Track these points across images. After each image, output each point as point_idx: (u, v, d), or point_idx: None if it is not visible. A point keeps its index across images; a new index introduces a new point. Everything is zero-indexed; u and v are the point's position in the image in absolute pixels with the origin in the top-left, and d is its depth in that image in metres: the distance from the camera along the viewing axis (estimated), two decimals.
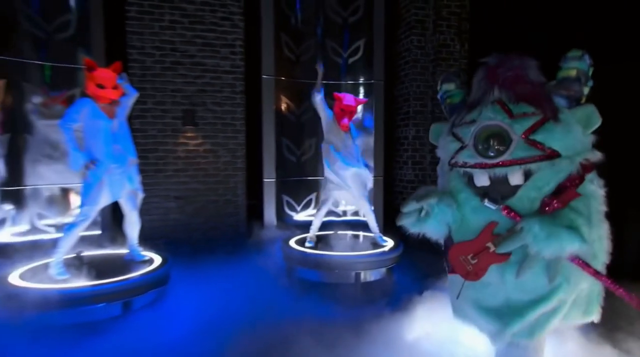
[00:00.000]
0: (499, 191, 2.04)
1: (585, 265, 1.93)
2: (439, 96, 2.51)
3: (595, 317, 2.26)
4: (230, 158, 5.80)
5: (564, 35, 4.51)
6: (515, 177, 1.98)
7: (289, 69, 6.09)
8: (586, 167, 1.98)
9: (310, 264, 4.45)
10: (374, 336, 2.85)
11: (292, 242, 4.86)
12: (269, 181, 5.99)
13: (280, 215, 6.11)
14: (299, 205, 6.38)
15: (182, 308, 3.73)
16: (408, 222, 2.18)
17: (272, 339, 3.04)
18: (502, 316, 2.12)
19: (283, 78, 6.04)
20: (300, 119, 6.29)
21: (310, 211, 6.28)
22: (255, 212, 6.02)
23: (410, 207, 2.13)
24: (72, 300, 3.46)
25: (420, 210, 2.16)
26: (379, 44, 6.06)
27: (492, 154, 1.97)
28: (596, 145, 2.04)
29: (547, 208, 1.93)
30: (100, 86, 3.71)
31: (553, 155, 1.92)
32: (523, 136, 1.93)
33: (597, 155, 2.01)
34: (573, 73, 2.04)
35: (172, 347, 3.11)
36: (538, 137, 1.92)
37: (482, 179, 2.06)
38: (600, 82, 2.29)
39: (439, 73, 5.56)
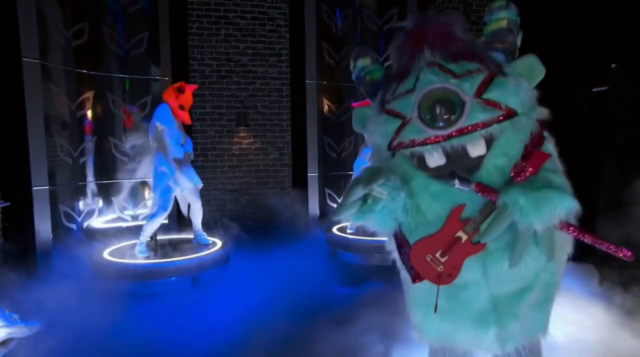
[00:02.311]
0: (458, 168, 1.58)
1: (580, 231, 1.54)
2: (354, 76, 2.01)
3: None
4: (278, 155, 6.11)
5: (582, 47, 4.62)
6: (477, 147, 1.55)
7: (329, 73, 6.35)
8: (541, 124, 1.65)
9: (352, 248, 4.67)
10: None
11: (334, 229, 5.11)
12: (313, 175, 6.25)
13: (323, 206, 6.36)
14: (339, 197, 6.61)
15: (240, 282, 4.09)
16: (348, 214, 1.61)
17: (317, 313, 3.26)
18: (492, 320, 1.71)
19: (324, 82, 6.31)
20: (340, 119, 6.53)
21: None
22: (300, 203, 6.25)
23: (354, 195, 1.56)
24: (150, 274, 3.92)
25: (365, 198, 1.61)
26: None
27: (442, 124, 1.50)
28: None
29: (519, 177, 1.55)
30: (182, 107, 4.03)
31: (512, 113, 1.53)
32: (476, 96, 1.51)
33: (545, 112, 1.67)
34: (504, 23, 1.72)
35: (233, 315, 3.42)
36: (492, 95, 1.52)
37: (436, 158, 1.58)
38: None
39: None
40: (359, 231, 4.77)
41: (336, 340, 2.83)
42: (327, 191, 6.50)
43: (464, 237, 1.59)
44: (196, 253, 4.24)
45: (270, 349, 2.80)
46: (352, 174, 5.21)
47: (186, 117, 4.10)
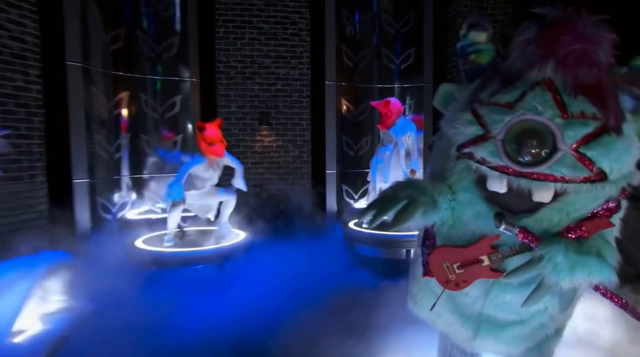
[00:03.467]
0: (514, 203, 1.45)
1: (610, 294, 1.47)
2: (459, 45, 1.75)
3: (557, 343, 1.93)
4: (298, 153, 6.33)
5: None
6: (542, 194, 1.39)
7: (348, 75, 6.50)
8: (624, 192, 1.47)
9: (367, 242, 4.82)
10: None
11: (351, 224, 5.23)
12: (331, 173, 6.42)
13: (340, 202, 6.54)
14: (356, 194, 6.75)
15: (261, 271, 4.26)
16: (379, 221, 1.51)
17: (331, 300, 3.39)
18: (472, 324, 1.76)
19: (343, 83, 6.46)
20: (357, 119, 6.68)
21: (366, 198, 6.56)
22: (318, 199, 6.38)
23: (384, 213, 1.48)
24: (180, 261, 4.15)
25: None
26: (428, 51, 6.30)
27: (524, 160, 1.32)
28: None
29: (569, 233, 1.42)
30: (211, 144, 4.18)
31: (600, 178, 1.33)
32: (573, 148, 1.28)
33: (638, 178, 1.44)
34: None
35: (254, 299, 3.61)
36: (591, 153, 1.29)
37: (497, 184, 1.43)
38: None
39: None
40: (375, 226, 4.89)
41: (349, 325, 2.94)
42: (345, 187, 6.67)
43: (486, 262, 1.55)
44: (222, 243, 4.46)
45: (288, 330, 2.92)
46: (368, 172, 5.32)
47: (218, 151, 4.24)
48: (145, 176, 5.81)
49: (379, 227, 4.67)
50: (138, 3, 5.48)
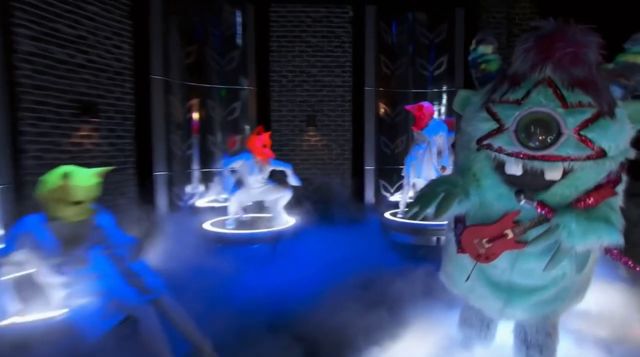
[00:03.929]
0: (530, 183, 1.60)
1: (620, 255, 1.58)
2: (470, 58, 1.94)
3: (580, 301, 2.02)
4: (340, 151, 6.69)
5: None
6: (553, 173, 1.55)
7: (386, 81, 6.81)
8: (623, 167, 1.63)
9: (401, 230, 5.10)
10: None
11: (387, 214, 5.47)
12: (369, 169, 6.74)
13: (378, 195, 6.84)
14: (392, 188, 6.94)
15: (307, 251, 4.58)
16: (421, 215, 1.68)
17: (366, 277, 3.58)
18: (503, 294, 1.86)
19: (381, 89, 6.76)
20: (394, 121, 6.97)
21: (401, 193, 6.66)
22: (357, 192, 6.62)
23: (425, 208, 1.65)
24: (239, 240, 4.59)
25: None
26: (459, 58, 6.48)
27: (533, 145, 1.49)
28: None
29: (579, 203, 1.56)
30: (264, 146, 4.70)
31: (600, 155, 1.50)
32: (575, 131, 1.46)
33: (633, 153, 1.61)
34: (631, 59, 1.58)
35: (300, 274, 3.87)
36: (590, 134, 1.47)
37: (514, 168, 1.59)
38: None
39: None
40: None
41: (381, 298, 3.10)
42: (382, 182, 6.96)
43: (510, 235, 1.68)
44: (274, 227, 4.88)
45: (327, 300, 3.10)
46: (403, 168, 5.49)
47: (267, 153, 4.74)
48: (211, 170, 6.43)
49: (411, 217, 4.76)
50: (207, 24, 6.09)
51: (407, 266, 3.82)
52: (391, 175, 6.87)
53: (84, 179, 2.22)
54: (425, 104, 5.03)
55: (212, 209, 5.84)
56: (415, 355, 2.32)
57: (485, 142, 1.62)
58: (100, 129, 4.74)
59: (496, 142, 1.58)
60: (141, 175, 5.31)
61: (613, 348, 2.40)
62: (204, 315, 2.71)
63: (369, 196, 6.72)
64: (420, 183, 5.15)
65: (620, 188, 1.66)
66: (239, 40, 6.36)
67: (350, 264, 3.97)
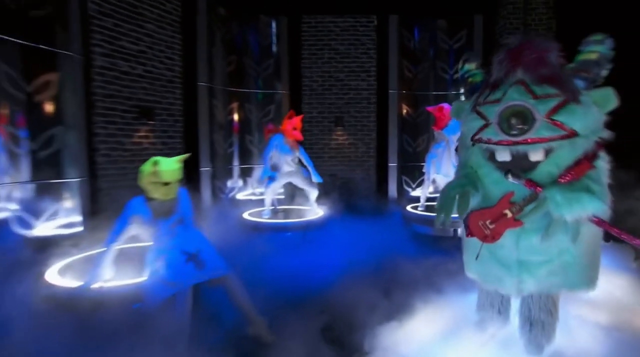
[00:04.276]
0: (519, 166, 1.80)
1: (604, 223, 1.71)
2: (459, 75, 2.25)
3: (592, 288, 2.06)
4: (365, 149, 7.01)
5: None
6: (537, 154, 1.76)
7: (408, 84, 7.09)
8: (599, 145, 1.82)
9: (421, 222, 5.31)
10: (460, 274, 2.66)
11: (408, 207, 5.73)
12: (392, 165, 7.04)
13: (400, 190, 7.13)
14: (413, 183, 7.15)
15: (334, 239, 4.78)
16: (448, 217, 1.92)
17: (388, 263, 3.65)
18: (515, 271, 1.96)
19: (404, 91, 7.03)
20: (416, 121, 7.24)
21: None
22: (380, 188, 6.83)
23: (448, 212, 1.87)
24: (274, 228, 4.92)
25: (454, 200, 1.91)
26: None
27: (515, 132, 1.71)
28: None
29: (562, 179, 1.74)
30: (294, 128, 5.02)
31: (573, 134, 1.70)
32: (546, 116, 1.68)
33: (608, 134, 1.82)
34: (594, 56, 1.79)
35: (328, 261, 4.03)
36: (560, 117, 1.69)
37: (503, 155, 1.81)
38: None
39: None
40: (427, 208, 5.37)
41: (401, 282, 3.13)
42: (404, 178, 7.27)
43: (509, 215, 1.82)
44: (305, 217, 5.19)
45: (351, 281, 3.19)
46: (423, 165, 5.70)
47: (297, 136, 5.05)
48: (249, 166, 6.93)
49: (428, 210, 4.81)
50: (245, 36, 6.53)
51: (426, 254, 3.87)
52: (413, 171, 7.08)
53: (169, 164, 2.68)
54: (445, 105, 5.16)
55: (250, 201, 6.29)
56: (431, 332, 2.39)
57: (476, 137, 1.88)
58: (155, 130, 5.25)
59: (485, 135, 1.83)
60: (188, 170, 5.72)
61: (612, 333, 2.37)
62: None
63: (392, 190, 6.99)
64: (440, 179, 5.34)
65: (603, 164, 1.86)
66: (273, 49, 6.82)
67: (373, 251, 4.13)
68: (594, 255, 2.03)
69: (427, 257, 3.64)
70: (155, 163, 2.62)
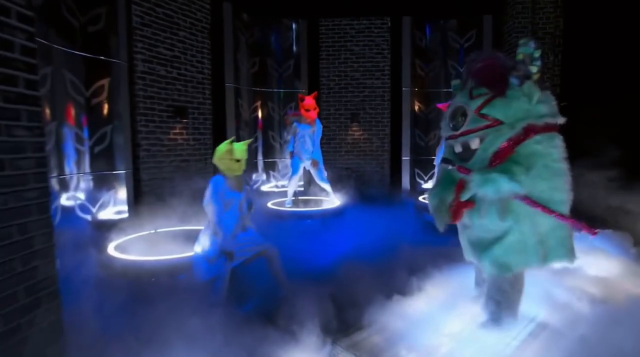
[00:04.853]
0: (467, 155, 2.08)
1: (533, 202, 1.93)
2: (452, 89, 2.44)
3: (570, 261, 2.21)
4: (379, 143, 7.38)
5: None
6: (474, 143, 2.04)
7: (420, 82, 7.42)
8: (529, 131, 1.98)
9: None
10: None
11: (420, 198, 6.10)
12: (406, 159, 7.38)
13: (413, 182, 7.49)
14: (425, 175, 7.53)
15: (351, 226, 5.20)
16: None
17: (401, 248, 3.89)
18: (478, 249, 2.16)
19: (416, 89, 7.37)
20: (427, 117, 7.56)
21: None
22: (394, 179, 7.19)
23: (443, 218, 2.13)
24: (295, 216, 5.40)
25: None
26: None
27: (457, 127, 2.06)
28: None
29: (491, 165, 2.00)
30: (307, 110, 5.49)
31: (497, 123, 1.96)
32: (475, 111, 2.00)
33: (544, 121, 2.00)
34: (520, 57, 2.12)
35: (344, 246, 4.39)
36: (485, 111, 1.99)
37: (457, 147, 2.12)
38: None
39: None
40: None
41: (413, 264, 3.22)
42: (417, 170, 7.62)
43: (462, 197, 2.07)
44: (324, 206, 5.64)
45: (366, 263, 3.46)
46: (434, 158, 6.02)
47: (312, 116, 5.51)
48: (272, 160, 7.46)
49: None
50: (268, 38, 6.97)
51: (435, 241, 3.60)
52: (425, 164, 7.42)
53: (240, 145, 3.24)
54: None
55: (273, 192, 6.79)
56: (430, 306, 2.48)
57: (444, 136, 2.26)
58: (188, 128, 5.80)
59: (443, 133, 2.24)
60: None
61: (597, 303, 2.52)
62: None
63: (405, 182, 7.34)
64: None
65: (538, 147, 1.99)
66: (294, 51, 7.26)
67: (386, 237, 4.40)
68: (547, 231, 2.10)
69: (434, 244, 3.60)
70: (231, 143, 3.17)
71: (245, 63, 6.83)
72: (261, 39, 7.02)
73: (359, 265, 3.48)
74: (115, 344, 2.29)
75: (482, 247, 2.14)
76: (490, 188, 1.90)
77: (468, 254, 2.31)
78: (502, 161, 1.97)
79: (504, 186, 1.88)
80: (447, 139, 2.20)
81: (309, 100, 5.50)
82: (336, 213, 5.60)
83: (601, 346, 1.96)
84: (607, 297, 2.68)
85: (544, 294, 2.56)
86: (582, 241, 3.27)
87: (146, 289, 3.15)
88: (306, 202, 6.02)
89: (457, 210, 2.10)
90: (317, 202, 5.95)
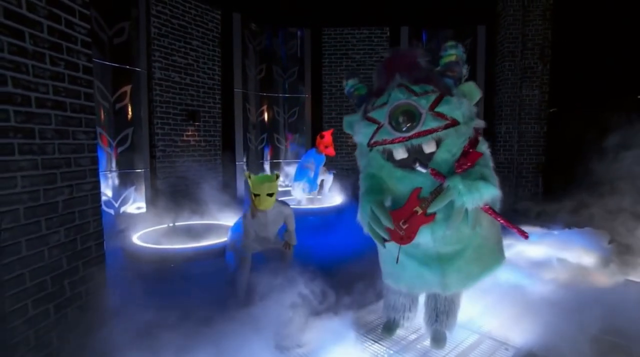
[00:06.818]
0: (410, 161, 1.90)
1: (489, 209, 1.83)
2: (346, 91, 2.34)
3: (504, 261, 2.23)
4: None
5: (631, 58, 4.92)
6: (429, 146, 1.85)
7: None
8: (477, 132, 1.93)
9: None
10: None
11: None
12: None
13: None
14: None
15: (348, 224, 4.81)
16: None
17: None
18: (436, 267, 2.03)
19: None
20: None
21: None
22: None
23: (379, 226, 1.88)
24: (299, 213, 5.71)
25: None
26: (481, 69, 7.43)
27: (405, 129, 1.80)
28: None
29: (460, 169, 1.82)
30: (326, 146, 5.90)
31: (455, 123, 1.82)
32: (430, 109, 1.81)
33: (482, 123, 1.96)
34: (453, 58, 1.97)
35: (345, 238, 4.50)
36: (441, 109, 1.82)
37: (400, 152, 1.89)
38: None
39: (525, 87, 6.64)
40: None
41: None
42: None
43: (420, 211, 1.86)
44: (325, 204, 6.05)
45: (364, 257, 3.45)
46: None
47: (331, 152, 5.91)
48: (277, 161, 7.88)
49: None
50: (274, 46, 7.41)
51: None
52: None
53: (259, 178, 3.39)
54: None
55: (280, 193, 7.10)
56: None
57: (372, 141, 1.95)
58: (199, 130, 6.23)
59: (380, 137, 1.91)
60: (226, 164, 6.75)
61: (564, 287, 2.93)
62: None
63: None
64: None
65: (485, 148, 2.00)
66: (298, 57, 7.63)
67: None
68: (497, 233, 2.19)
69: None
70: (249, 176, 3.42)
71: (253, 69, 7.26)
72: (268, 46, 7.44)
73: (352, 258, 3.81)
74: (156, 312, 2.56)
75: (444, 261, 2.03)
76: (476, 197, 1.77)
77: (412, 277, 2.12)
78: (472, 165, 1.84)
79: (487, 192, 1.79)
80: (383, 143, 1.90)
81: (328, 137, 5.80)
82: (337, 211, 5.90)
83: (569, 326, 2.13)
84: (579, 283, 3.10)
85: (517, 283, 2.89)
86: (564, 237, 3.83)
87: (168, 272, 3.65)
88: (308, 201, 6.33)
89: (413, 227, 1.89)
90: (319, 201, 6.27)
